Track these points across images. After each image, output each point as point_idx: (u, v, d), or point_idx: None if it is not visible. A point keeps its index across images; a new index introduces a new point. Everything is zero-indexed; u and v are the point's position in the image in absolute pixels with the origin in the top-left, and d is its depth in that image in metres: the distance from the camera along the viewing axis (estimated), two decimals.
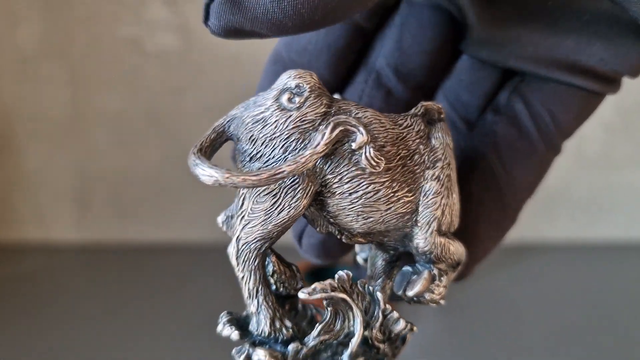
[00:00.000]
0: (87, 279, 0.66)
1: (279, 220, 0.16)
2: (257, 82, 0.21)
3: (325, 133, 0.16)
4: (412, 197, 0.17)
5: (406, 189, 0.17)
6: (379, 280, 0.20)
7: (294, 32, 0.16)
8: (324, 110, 0.16)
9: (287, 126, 0.16)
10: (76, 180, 0.72)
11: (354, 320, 0.18)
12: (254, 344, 0.17)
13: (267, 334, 0.17)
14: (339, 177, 0.17)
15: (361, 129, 0.16)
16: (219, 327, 0.18)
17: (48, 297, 0.61)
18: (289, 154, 0.16)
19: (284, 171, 0.15)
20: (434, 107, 0.18)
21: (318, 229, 0.18)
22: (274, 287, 0.18)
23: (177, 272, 0.66)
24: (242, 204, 0.17)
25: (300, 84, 0.16)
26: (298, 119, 0.16)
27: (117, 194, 0.72)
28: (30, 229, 0.74)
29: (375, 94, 0.20)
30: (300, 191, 0.16)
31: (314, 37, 0.20)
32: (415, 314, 0.58)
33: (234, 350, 0.17)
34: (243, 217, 0.17)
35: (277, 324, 0.17)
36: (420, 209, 0.18)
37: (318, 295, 0.17)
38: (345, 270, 0.17)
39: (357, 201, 0.17)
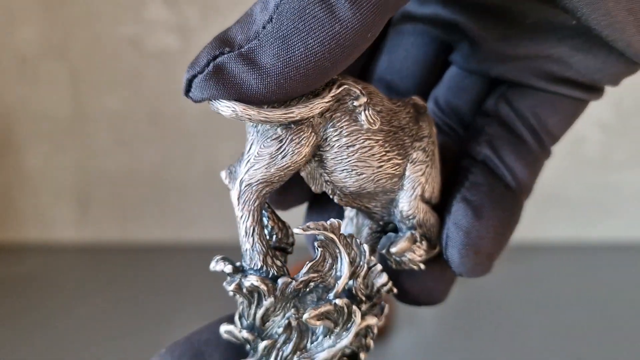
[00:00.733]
0: (87, 279, 0.66)
1: (281, 165, 0.18)
2: None
3: (332, 89, 0.18)
4: (401, 161, 0.19)
5: (396, 152, 0.19)
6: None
7: (276, 102, 0.17)
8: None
9: None
10: (76, 180, 0.72)
11: (341, 264, 0.19)
12: (246, 276, 0.18)
13: (259, 267, 0.18)
14: (339, 130, 0.18)
15: (363, 91, 0.18)
16: (212, 265, 0.19)
17: (48, 297, 0.61)
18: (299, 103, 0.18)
19: (294, 112, 0.17)
20: (420, 103, 0.20)
21: (313, 188, 0.20)
22: (267, 237, 0.20)
23: (177, 272, 0.66)
24: (250, 148, 0.18)
25: None
26: None
27: (118, 194, 0.72)
28: (30, 228, 0.74)
29: None
30: (304, 139, 0.18)
31: None
32: (415, 314, 0.58)
33: (225, 282, 0.19)
34: (249, 160, 0.18)
35: (269, 260, 0.18)
36: (407, 173, 0.20)
37: (311, 232, 0.18)
38: (337, 219, 0.19)
39: (353, 155, 0.19)
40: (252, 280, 0.18)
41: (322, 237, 0.19)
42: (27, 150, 0.72)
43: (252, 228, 0.18)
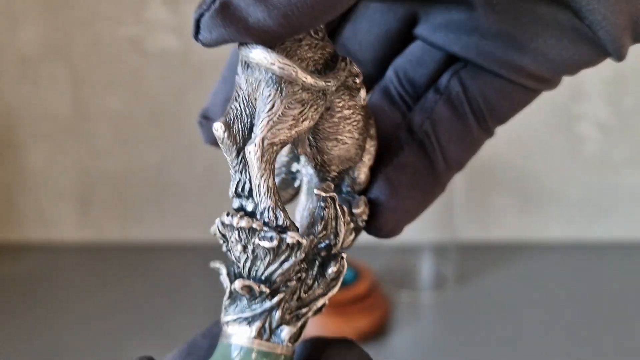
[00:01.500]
0: (88, 278, 0.66)
1: (300, 128, 0.18)
2: None
3: (346, 64, 0.19)
4: (367, 135, 0.21)
5: (368, 129, 0.21)
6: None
7: (284, 37, 0.17)
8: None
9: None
10: (78, 180, 0.72)
11: (336, 222, 0.20)
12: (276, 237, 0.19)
13: (286, 224, 0.19)
14: (342, 103, 0.20)
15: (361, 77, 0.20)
16: (223, 218, 0.19)
17: (50, 296, 0.62)
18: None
19: (331, 82, 0.19)
20: (355, 71, 0.21)
21: (299, 150, 0.21)
22: None
23: (177, 271, 0.66)
24: (272, 106, 0.18)
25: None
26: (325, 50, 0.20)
27: (119, 194, 0.73)
28: (32, 228, 0.74)
29: None
30: (321, 106, 0.19)
31: None
32: (415, 313, 0.58)
33: (259, 237, 0.19)
34: (271, 119, 0.18)
35: (289, 218, 0.19)
36: (367, 146, 0.21)
37: (330, 193, 0.20)
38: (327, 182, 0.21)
39: (347, 126, 0.20)
40: (295, 236, 0.18)
41: (328, 198, 0.20)
42: (28, 150, 0.72)
43: (274, 186, 0.19)
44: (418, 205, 0.22)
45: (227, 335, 0.19)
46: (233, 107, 0.19)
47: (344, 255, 0.20)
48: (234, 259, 0.19)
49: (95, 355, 0.53)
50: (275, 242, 0.18)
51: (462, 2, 0.20)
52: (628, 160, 0.69)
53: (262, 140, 0.18)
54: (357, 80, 0.20)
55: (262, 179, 0.18)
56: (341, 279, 0.20)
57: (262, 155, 0.18)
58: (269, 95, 0.18)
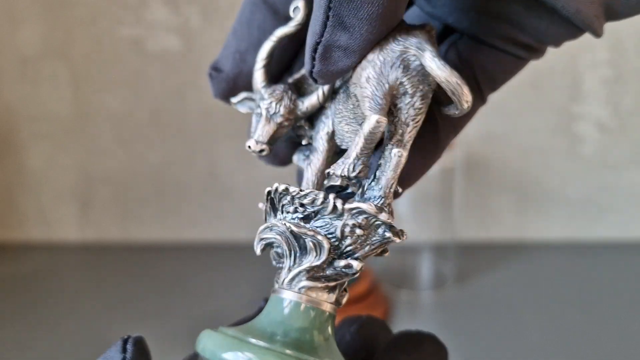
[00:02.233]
0: (89, 278, 0.67)
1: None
2: None
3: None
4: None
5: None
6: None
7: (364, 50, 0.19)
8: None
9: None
10: (78, 180, 0.73)
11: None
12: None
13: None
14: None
15: None
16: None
17: (50, 296, 0.62)
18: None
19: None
20: None
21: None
22: None
23: (178, 271, 0.66)
24: (419, 116, 0.20)
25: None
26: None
27: (119, 194, 0.73)
28: (32, 228, 0.74)
29: None
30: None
31: None
32: (415, 313, 0.58)
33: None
34: (415, 127, 0.20)
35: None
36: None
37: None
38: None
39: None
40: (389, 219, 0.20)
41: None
42: (29, 150, 0.72)
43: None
44: (418, 170, 0.23)
45: (279, 291, 0.20)
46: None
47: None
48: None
49: (95, 355, 0.53)
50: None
51: None
52: (628, 160, 0.69)
53: (405, 145, 0.20)
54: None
55: (394, 180, 0.20)
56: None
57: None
58: (420, 108, 0.20)
